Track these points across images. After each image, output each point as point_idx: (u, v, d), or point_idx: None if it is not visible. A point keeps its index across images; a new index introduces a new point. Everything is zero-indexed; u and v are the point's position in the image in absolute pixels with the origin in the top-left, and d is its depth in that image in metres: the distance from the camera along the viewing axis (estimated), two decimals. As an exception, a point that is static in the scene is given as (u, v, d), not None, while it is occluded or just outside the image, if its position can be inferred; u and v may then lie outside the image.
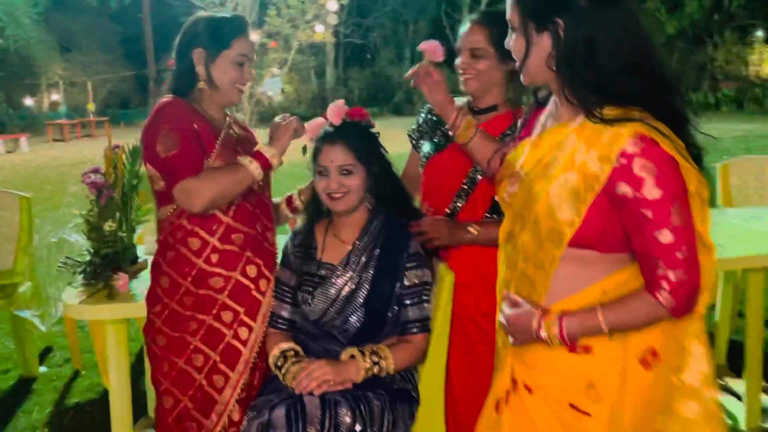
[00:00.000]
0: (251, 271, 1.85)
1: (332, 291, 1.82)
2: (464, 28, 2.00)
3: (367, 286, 1.81)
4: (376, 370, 1.74)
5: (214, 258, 1.81)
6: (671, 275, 1.24)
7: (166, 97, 1.86)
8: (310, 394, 1.67)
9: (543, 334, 1.33)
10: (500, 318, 1.45)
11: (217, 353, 1.81)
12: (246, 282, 1.84)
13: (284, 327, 1.89)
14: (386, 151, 1.91)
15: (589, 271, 1.32)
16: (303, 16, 20.33)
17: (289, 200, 2.11)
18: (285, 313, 1.89)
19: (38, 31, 21.61)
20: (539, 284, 1.37)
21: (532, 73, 1.36)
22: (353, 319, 1.80)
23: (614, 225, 1.28)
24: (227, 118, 1.96)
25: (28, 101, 23.04)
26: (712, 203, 3.97)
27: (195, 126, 1.80)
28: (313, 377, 1.68)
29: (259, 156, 1.81)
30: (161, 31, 24.58)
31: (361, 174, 1.81)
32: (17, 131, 18.58)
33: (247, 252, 1.85)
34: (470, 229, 1.92)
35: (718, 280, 3.25)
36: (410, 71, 1.82)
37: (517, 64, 1.38)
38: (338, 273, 1.83)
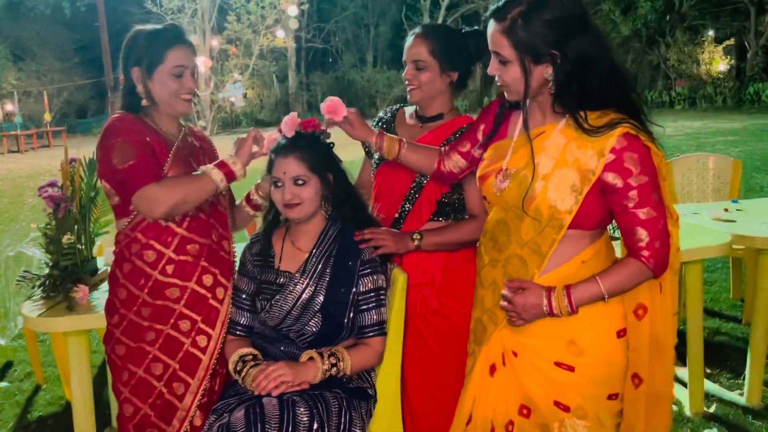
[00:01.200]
0: (207, 280, 1.89)
1: (290, 298, 1.86)
2: (408, 41, 2.08)
3: (324, 293, 1.87)
4: (333, 371, 1.80)
5: (170, 269, 1.84)
6: (654, 243, 1.50)
7: (117, 113, 1.89)
8: (269, 394, 1.72)
9: (555, 307, 1.54)
10: (503, 302, 1.61)
11: (177, 361, 1.85)
12: (202, 291, 1.88)
13: (242, 333, 1.95)
14: (341, 161, 1.96)
15: (574, 247, 1.57)
16: (263, 21, 20.28)
17: (248, 198, 2.13)
18: (243, 320, 1.95)
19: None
20: (533, 264, 1.59)
21: (530, 95, 1.55)
22: (311, 324, 1.86)
23: (599, 207, 1.54)
24: (182, 129, 1.98)
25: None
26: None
27: (147, 139, 1.83)
28: (271, 378, 1.74)
29: (222, 165, 1.84)
30: (118, 38, 24.15)
31: (314, 184, 1.86)
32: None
33: (203, 262, 1.88)
34: (414, 236, 2.00)
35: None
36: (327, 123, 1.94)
37: (508, 88, 1.57)
38: (296, 280, 1.88)
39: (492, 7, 1.54)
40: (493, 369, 1.69)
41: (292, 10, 20.00)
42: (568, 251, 1.57)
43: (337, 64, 26.28)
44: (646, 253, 1.51)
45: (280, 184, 1.86)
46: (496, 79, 1.58)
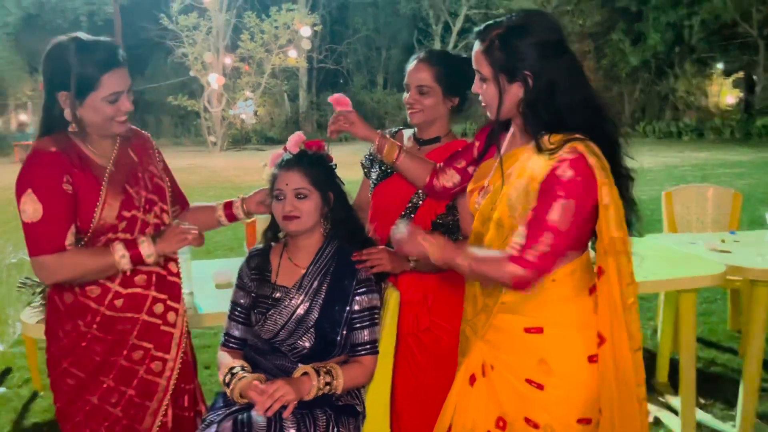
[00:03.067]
0: (158, 308, 1.83)
1: (285, 313, 1.89)
2: (411, 65, 2.14)
3: (318, 310, 1.89)
4: (326, 389, 1.81)
5: (119, 303, 1.77)
6: (530, 254, 1.48)
7: (40, 143, 1.70)
8: (278, 414, 1.72)
9: (416, 253, 1.66)
10: (394, 232, 1.70)
11: (132, 388, 1.80)
12: (153, 320, 1.83)
13: (235, 346, 1.97)
14: (342, 183, 2.00)
15: None
16: (276, 40, 20.53)
17: (228, 205, 2.06)
18: (237, 333, 1.97)
19: (7, 52, 21.45)
20: None
21: (503, 114, 1.61)
22: (304, 339, 1.88)
23: None
24: (115, 146, 1.82)
25: (-1, 121, 22.75)
26: (659, 229, 4.18)
27: (66, 186, 1.67)
28: (275, 398, 1.71)
29: (133, 248, 1.72)
30: (134, 51, 24.55)
31: (315, 199, 1.89)
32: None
33: (152, 291, 1.82)
34: (410, 259, 2.03)
35: (658, 303, 3.42)
36: (330, 125, 2.05)
37: (489, 106, 1.63)
38: (291, 295, 1.90)
39: (476, 29, 1.63)
40: (473, 379, 1.72)
41: (305, 31, 20.27)
42: None
43: (347, 85, 26.51)
44: (519, 263, 1.49)
45: (281, 196, 1.89)
46: (480, 97, 1.65)
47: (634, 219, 1.61)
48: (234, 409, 1.81)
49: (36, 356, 3.45)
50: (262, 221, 2.39)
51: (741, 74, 21.65)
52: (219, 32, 20.59)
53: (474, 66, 1.62)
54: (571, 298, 1.60)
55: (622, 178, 1.58)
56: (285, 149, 1.95)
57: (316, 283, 1.91)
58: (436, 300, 2.11)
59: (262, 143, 22.38)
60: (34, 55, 24.77)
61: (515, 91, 1.57)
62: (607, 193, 1.50)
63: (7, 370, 3.73)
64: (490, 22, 1.61)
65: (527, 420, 1.60)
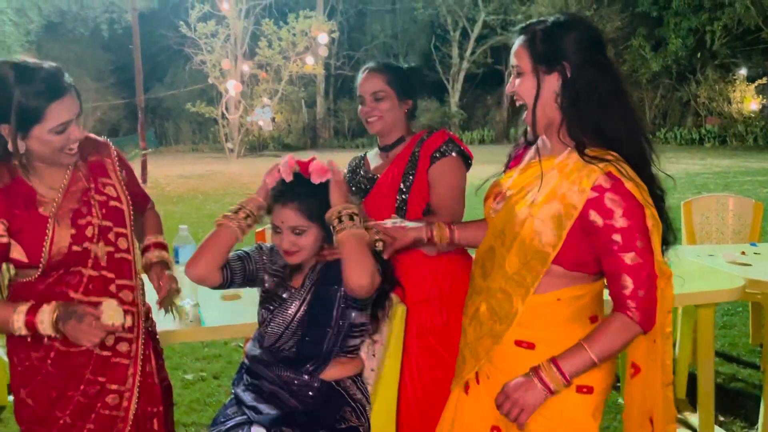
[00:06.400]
0: (107, 340, 1.72)
1: (289, 313, 1.82)
2: (361, 77, 2.21)
3: (310, 313, 1.82)
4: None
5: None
6: (638, 292, 1.43)
7: None
8: (259, 422, 1.69)
9: (551, 386, 1.47)
10: (504, 409, 1.51)
11: (90, 422, 1.73)
12: (104, 353, 1.73)
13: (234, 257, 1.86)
14: None
15: (551, 281, 1.53)
16: (294, 48, 20.66)
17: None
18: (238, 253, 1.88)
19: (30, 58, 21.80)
20: (517, 298, 1.55)
21: (540, 110, 1.54)
22: (292, 342, 1.82)
23: (581, 247, 1.49)
24: (66, 175, 1.71)
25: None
26: (677, 240, 4.08)
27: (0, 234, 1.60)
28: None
29: (31, 315, 1.60)
30: (153, 59, 24.85)
31: (314, 232, 1.80)
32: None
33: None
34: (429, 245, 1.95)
35: (676, 317, 3.33)
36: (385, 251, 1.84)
37: (527, 103, 1.56)
38: (296, 296, 1.84)
39: (520, 26, 1.60)
40: (467, 387, 1.70)
41: (323, 38, 20.36)
42: (544, 283, 1.53)
43: (365, 91, 26.56)
44: (631, 303, 1.44)
45: (279, 230, 1.81)
46: (515, 97, 1.60)
47: (671, 238, 1.55)
48: (238, 420, 1.79)
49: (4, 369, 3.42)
50: (270, 231, 2.35)
51: (765, 80, 21.32)
52: (237, 40, 20.78)
53: (513, 63, 1.58)
54: (570, 321, 1.54)
55: (657, 199, 1.52)
56: (279, 172, 1.80)
57: (309, 283, 1.85)
58: (449, 296, 2.12)
59: (279, 150, 22.49)
60: (56, 62, 25.08)
61: (552, 83, 1.52)
62: (650, 216, 1.45)
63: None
64: (534, 20, 1.59)
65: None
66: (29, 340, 1.67)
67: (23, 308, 1.61)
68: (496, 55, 25.43)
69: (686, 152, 18.25)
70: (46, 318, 1.59)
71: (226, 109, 20.62)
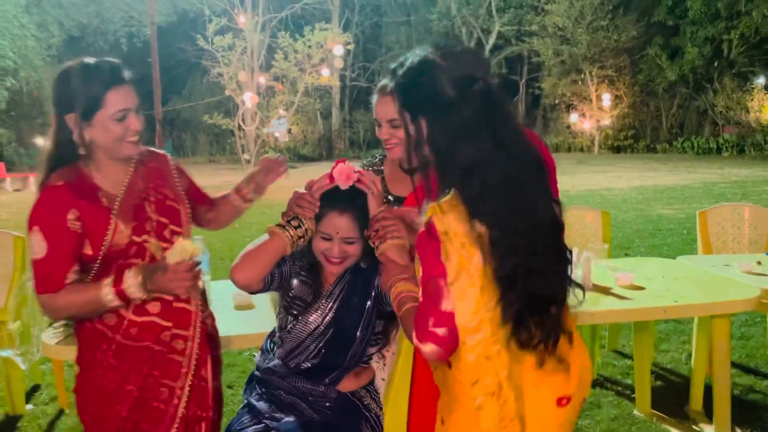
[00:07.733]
0: (165, 336, 1.80)
1: (314, 318, 1.83)
2: (375, 98, 2.11)
3: (337, 319, 1.83)
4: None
5: (134, 331, 1.77)
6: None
7: (50, 181, 1.71)
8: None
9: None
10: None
11: (143, 416, 1.79)
12: (159, 348, 1.80)
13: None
14: None
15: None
16: (309, 59, 20.79)
17: (237, 189, 2.04)
18: None
19: (51, 73, 22.14)
20: None
21: (405, 158, 1.51)
22: (314, 348, 1.83)
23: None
24: (128, 173, 1.81)
25: (39, 141, 23.48)
26: (695, 249, 4.05)
27: (72, 223, 1.68)
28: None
29: (118, 285, 1.68)
30: (171, 72, 25.15)
31: (361, 242, 1.81)
32: (26, 170, 18.89)
33: (163, 321, 1.80)
34: None
35: (692, 327, 3.29)
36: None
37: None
38: (323, 302, 1.84)
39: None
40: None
41: (338, 50, 20.49)
42: None
43: (380, 102, 26.65)
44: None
45: (328, 238, 1.79)
46: None
47: None
48: (255, 428, 1.79)
49: (63, 373, 3.48)
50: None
51: (783, 89, 21.12)
52: (253, 52, 20.97)
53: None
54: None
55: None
56: (331, 179, 1.77)
57: (337, 292, 1.85)
58: None
59: (295, 161, 22.62)
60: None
61: (417, 133, 1.48)
62: (467, 261, 1.41)
63: (35, 388, 3.78)
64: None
65: None
66: (105, 322, 1.74)
67: (107, 281, 1.68)
68: (511, 66, 25.43)
69: (704, 161, 18.06)
70: (132, 282, 1.68)
71: (243, 120, 20.78)
